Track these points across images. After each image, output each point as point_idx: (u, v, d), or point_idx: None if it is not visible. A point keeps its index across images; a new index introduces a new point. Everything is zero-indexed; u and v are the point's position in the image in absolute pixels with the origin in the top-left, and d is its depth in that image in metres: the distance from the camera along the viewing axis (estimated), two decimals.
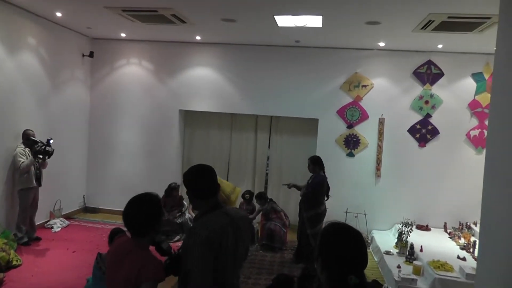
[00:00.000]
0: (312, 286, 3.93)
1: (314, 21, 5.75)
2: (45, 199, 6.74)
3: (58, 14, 6.46)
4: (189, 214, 7.03)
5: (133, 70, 8.14)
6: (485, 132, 7.12)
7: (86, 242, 6.44)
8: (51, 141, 6.16)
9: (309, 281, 4.04)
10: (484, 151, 6.99)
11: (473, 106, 7.24)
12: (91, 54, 7.90)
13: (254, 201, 7.26)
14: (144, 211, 2.20)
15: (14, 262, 5.24)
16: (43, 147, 6.03)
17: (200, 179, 2.32)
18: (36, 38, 6.60)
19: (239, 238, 2.27)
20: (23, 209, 6.02)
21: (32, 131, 6.13)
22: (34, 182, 6.05)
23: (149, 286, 2.10)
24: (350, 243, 1.56)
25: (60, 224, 7.08)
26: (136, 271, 2.09)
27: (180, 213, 7.03)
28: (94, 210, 8.20)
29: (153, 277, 2.10)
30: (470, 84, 7.24)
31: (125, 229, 2.33)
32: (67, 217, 7.59)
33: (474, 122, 7.27)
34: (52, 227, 6.93)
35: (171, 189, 7.03)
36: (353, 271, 1.49)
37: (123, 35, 7.69)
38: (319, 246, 1.62)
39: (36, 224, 6.43)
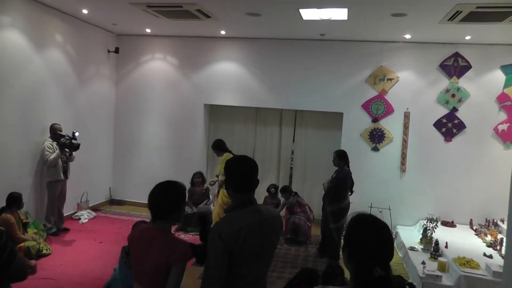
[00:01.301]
0: (336, 283, 3.95)
1: (339, 13, 5.69)
2: (73, 191, 6.92)
3: (84, 11, 6.59)
4: (213, 207, 7.09)
5: (158, 66, 8.24)
6: None
7: (112, 233, 6.58)
8: (76, 134, 6.31)
9: (333, 278, 4.04)
10: None
11: (502, 99, 7.04)
12: (116, 50, 8.03)
13: (279, 195, 7.28)
14: (169, 194, 2.27)
15: (44, 251, 5.42)
16: (68, 140, 6.18)
17: (240, 171, 2.25)
18: (63, 35, 6.75)
19: (266, 238, 2.18)
20: (51, 200, 6.21)
21: (59, 125, 6.29)
22: (62, 175, 6.23)
23: (180, 268, 2.15)
24: (376, 235, 1.54)
25: (88, 215, 7.27)
26: (165, 256, 2.13)
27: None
28: (120, 203, 8.37)
29: (183, 259, 2.16)
30: (499, 76, 7.03)
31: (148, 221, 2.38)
32: (94, 209, 7.78)
33: (503, 116, 7.07)
34: (79, 219, 7.12)
35: (193, 176, 7.24)
36: (378, 263, 1.48)
37: (148, 30, 7.79)
38: (345, 236, 1.62)
39: (64, 215, 6.62)
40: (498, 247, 5.84)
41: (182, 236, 6.73)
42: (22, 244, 5.11)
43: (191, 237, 6.61)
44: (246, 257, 2.09)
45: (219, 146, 6.32)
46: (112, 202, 8.42)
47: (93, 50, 7.62)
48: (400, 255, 6.36)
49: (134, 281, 2.34)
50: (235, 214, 2.19)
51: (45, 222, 6.18)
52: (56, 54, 6.64)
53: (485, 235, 6.48)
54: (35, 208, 6.24)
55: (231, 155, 6.06)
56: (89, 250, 5.81)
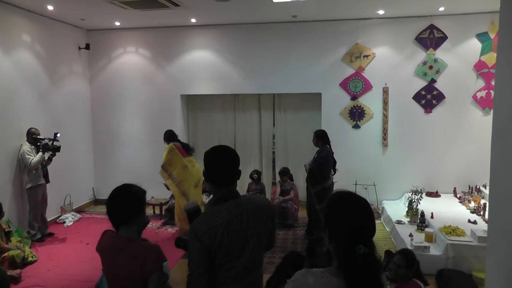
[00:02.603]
0: (323, 250, 3.94)
1: None
2: (55, 194, 6.81)
3: (50, 8, 6.38)
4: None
5: (131, 59, 8.07)
6: (492, 92, 6.98)
7: (98, 234, 6.24)
8: (58, 135, 6.15)
9: (320, 246, 4.06)
10: (492, 111, 6.95)
11: (479, 67, 7.08)
12: (87, 46, 7.83)
13: (263, 180, 7.26)
14: (126, 196, 2.20)
15: (30, 259, 5.30)
16: (51, 142, 6.03)
17: (218, 163, 2.09)
18: (30, 35, 6.54)
19: (249, 231, 2.08)
20: (33, 206, 6.07)
21: (37, 129, 6.12)
22: (42, 179, 6.08)
23: (158, 276, 2.06)
24: (355, 211, 1.51)
25: (72, 218, 7.14)
26: (139, 267, 2.04)
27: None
28: (105, 202, 8.20)
29: (158, 266, 2.07)
30: (475, 45, 7.05)
31: None
32: (78, 210, 7.66)
33: (481, 83, 7.12)
34: (64, 222, 7.00)
35: None
36: (361, 240, 1.45)
37: (117, 24, 7.60)
38: (325, 216, 1.58)
39: (48, 220, 6.49)
40: (481, 213, 5.93)
41: (169, 230, 6.69)
42: (6, 254, 4.99)
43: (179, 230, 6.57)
44: (227, 253, 2.02)
45: (166, 136, 6.48)
46: (97, 202, 8.29)
47: (63, 48, 7.40)
48: (388, 229, 6.43)
49: None
50: (213, 210, 2.08)
51: (29, 229, 6.05)
52: (25, 55, 6.44)
53: (469, 201, 6.57)
54: (17, 216, 6.11)
55: (173, 145, 6.23)
56: (76, 253, 5.72)
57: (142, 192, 2.27)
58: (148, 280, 2.05)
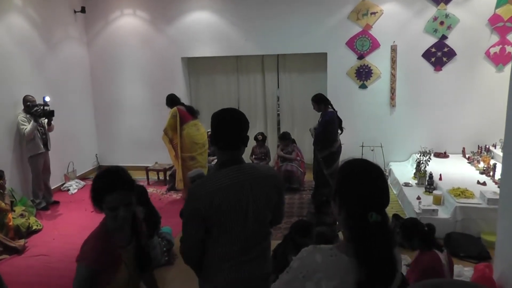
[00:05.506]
0: (328, 211, 4.09)
1: None
2: (58, 162, 6.76)
3: None
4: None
5: (128, 22, 7.78)
6: (507, 48, 6.71)
7: None
8: (47, 99, 5.98)
9: (326, 206, 4.13)
10: (506, 68, 6.69)
11: (494, 21, 6.72)
12: (83, 10, 7.55)
13: (267, 143, 7.13)
14: (94, 184, 2.01)
15: (35, 227, 5.30)
16: (40, 108, 5.89)
17: (220, 125, 2.01)
18: None
19: (251, 201, 1.96)
20: (36, 175, 6.02)
21: (32, 97, 5.95)
22: (42, 147, 5.98)
23: (78, 268, 1.90)
24: (369, 179, 1.39)
25: (76, 185, 7.12)
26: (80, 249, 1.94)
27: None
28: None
29: (81, 260, 1.90)
30: None
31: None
32: (82, 177, 7.62)
33: (495, 38, 6.79)
34: (68, 190, 6.98)
35: None
36: (372, 209, 1.33)
37: None
38: (336, 184, 1.46)
39: (52, 188, 6.47)
40: (491, 173, 5.80)
41: (174, 195, 6.64)
42: (11, 223, 4.96)
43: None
44: (224, 222, 1.93)
45: (168, 101, 6.30)
46: (100, 168, 8.23)
47: (57, 12, 7.12)
48: (395, 192, 6.33)
49: None
50: (214, 174, 2.01)
51: (33, 198, 6.03)
52: (17, 20, 6.19)
53: (478, 162, 6.42)
54: (20, 185, 6.07)
55: (176, 109, 6.03)
56: (80, 221, 5.68)
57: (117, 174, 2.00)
58: None
